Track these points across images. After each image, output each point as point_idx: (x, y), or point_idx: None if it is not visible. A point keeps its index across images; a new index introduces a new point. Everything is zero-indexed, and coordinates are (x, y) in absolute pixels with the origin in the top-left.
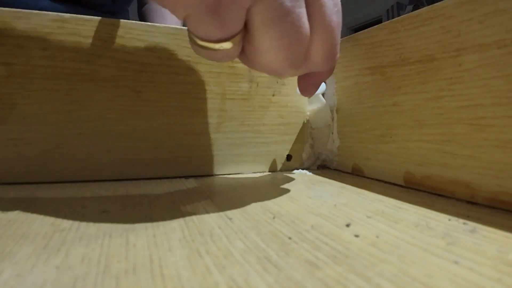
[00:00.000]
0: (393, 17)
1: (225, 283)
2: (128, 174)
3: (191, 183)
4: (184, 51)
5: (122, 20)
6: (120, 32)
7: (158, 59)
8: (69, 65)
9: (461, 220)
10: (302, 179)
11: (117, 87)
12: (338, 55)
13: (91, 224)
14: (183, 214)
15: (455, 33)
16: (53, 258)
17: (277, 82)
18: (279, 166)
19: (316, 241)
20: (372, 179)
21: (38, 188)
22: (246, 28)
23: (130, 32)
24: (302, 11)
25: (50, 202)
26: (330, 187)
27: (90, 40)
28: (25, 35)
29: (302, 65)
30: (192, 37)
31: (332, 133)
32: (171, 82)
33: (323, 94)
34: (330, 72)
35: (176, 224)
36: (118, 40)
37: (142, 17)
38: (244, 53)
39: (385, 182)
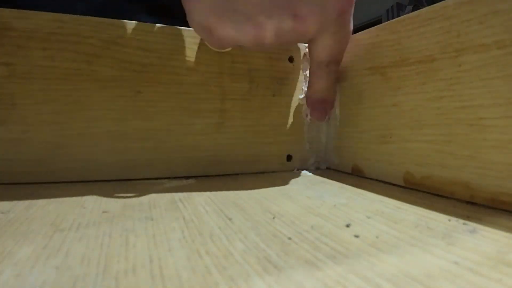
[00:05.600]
0: (393, 17)
1: (225, 283)
2: (128, 174)
3: (191, 183)
4: (184, 51)
5: (122, 20)
6: (120, 32)
7: (158, 59)
8: (69, 65)
9: (461, 221)
10: (302, 179)
11: (117, 87)
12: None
13: (91, 224)
14: (182, 214)
15: (455, 33)
16: (53, 258)
17: (277, 82)
18: (279, 166)
19: (316, 242)
20: (372, 179)
21: (38, 188)
22: None
23: (130, 32)
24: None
25: (50, 202)
26: (330, 187)
27: (90, 40)
28: (25, 35)
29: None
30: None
31: (332, 133)
32: (171, 82)
33: None
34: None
35: (176, 224)
36: (118, 40)
37: None
38: None
39: (385, 182)
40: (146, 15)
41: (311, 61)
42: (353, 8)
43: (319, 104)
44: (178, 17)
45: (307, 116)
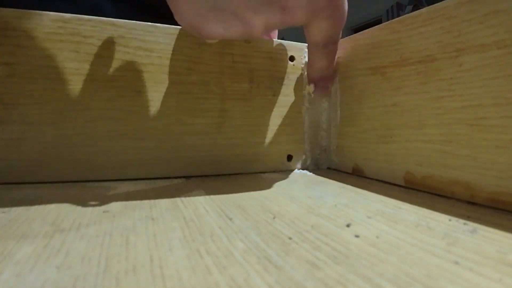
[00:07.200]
0: (393, 17)
1: (226, 283)
2: (128, 174)
3: (191, 183)
4: (184, 51)
5: (122, 20)
6: (121, 32)
7: (158, 59)
8: (69, 65)
9: (462, 221)
10: (302, 179)
11: (117, 87)
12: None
13: (91, 224)
14: (183, 214)
15: (455, 33)
16: (53, 258)
17: (278, 82)
18: (279, 166)
19: (316, 241)
20: (372, 179)
21: (38, 188)
22: None
23: (131, 32)
24: None
25: (50, 202)
26: (330, 187)
27: (90, 40)
28: (26, 35)
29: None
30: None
31: (333, 133)
32: (171, 82)
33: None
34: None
35: (176, 224)
36: (118, 40)
37: None
38: None
39: (386, 182)
40: (135, 16)
41: (308, 43)
42: None
43: (320, 82)
44: (166, 16)
45: (309, 94)
